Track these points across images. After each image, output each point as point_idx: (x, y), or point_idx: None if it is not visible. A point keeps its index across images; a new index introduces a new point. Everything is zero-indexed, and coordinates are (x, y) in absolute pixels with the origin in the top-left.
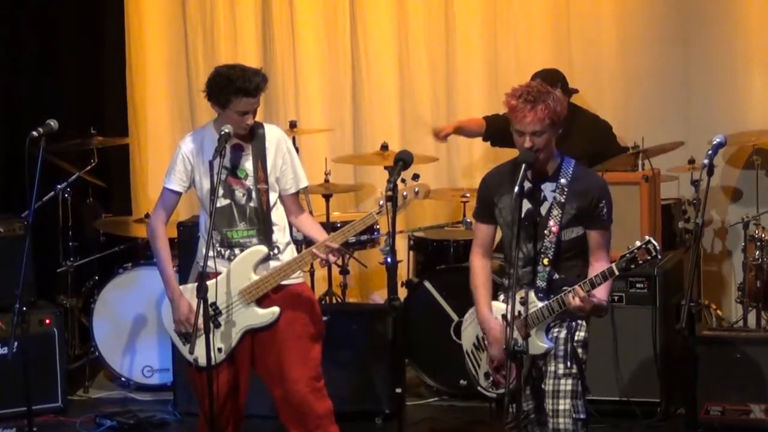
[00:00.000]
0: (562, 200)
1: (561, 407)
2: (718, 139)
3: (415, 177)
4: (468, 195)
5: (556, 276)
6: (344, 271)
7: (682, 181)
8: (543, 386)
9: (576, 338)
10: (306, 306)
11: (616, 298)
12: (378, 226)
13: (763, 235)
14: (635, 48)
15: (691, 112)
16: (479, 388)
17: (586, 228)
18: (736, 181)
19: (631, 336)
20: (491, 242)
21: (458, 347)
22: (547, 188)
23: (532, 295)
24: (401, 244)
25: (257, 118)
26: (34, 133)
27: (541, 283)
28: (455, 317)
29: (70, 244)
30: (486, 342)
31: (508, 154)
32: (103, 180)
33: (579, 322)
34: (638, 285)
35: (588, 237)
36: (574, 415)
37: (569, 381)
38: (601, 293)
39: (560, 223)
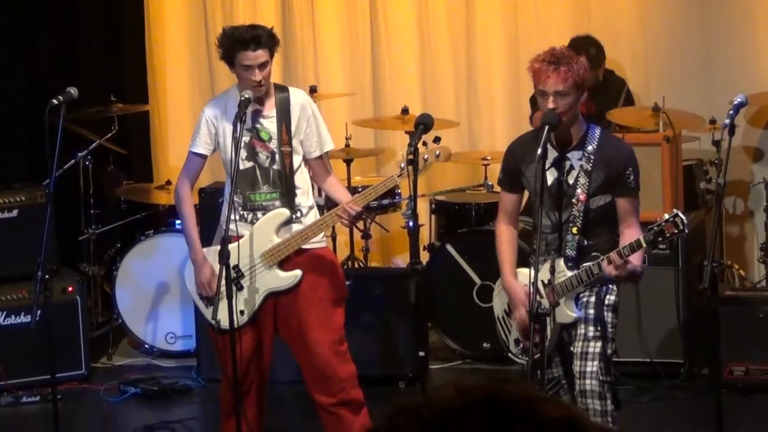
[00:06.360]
0: (589, 168)
1: (589, 369)
2: (738, 99)
3: (437, 140)
4: (489, 158)
5: (586, 243)
6: (366, 235)
7: (703, 142)
8: (572, 349)
9: (606, 302)
10: (329, 270)
11: None
12: (399, 190)
13: None
14: (655, 8)
15: (712, 73)
16: (509, 354)
17: (615, 196)
18: (758, 141)
19: (653, 297)
20: (517, 211)
21: (481, 310)
22: (574, 156)
23: (561, 263)
24: (423, 208)
25: (279, 81)
26: (55, 101)
27: (570, 252)
28: (478, 280)
29: (92, 211)
30: (511, 306)
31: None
32: (124, 147)
33: (610, 286)
34: (661, 246)
35: (617, 204)
36: (601, 377)
37: (598, 343)
38: (635, 259)
39: (588, 191)
